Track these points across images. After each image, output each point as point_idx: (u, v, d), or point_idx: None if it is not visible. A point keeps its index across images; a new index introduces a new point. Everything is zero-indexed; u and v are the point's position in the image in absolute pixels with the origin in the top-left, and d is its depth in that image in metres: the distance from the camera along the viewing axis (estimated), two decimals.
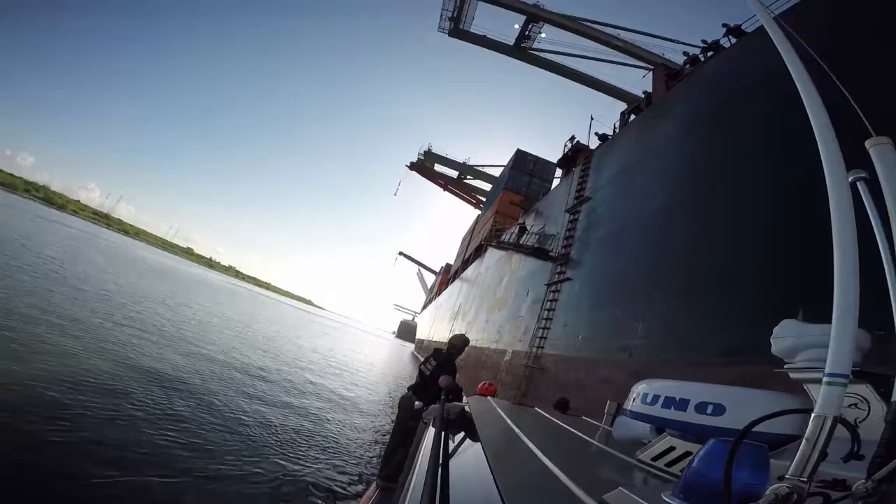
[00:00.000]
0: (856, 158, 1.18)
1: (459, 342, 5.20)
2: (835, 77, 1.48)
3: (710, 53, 11.52)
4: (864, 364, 1.47)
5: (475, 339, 20.81)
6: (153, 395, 6.68)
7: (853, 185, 1.23)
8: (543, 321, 12.40)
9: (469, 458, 1.90)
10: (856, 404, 1.46)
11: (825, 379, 0.79)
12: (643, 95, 14.72)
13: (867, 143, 1.17)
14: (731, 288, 6.47)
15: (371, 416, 11.04)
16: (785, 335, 1.72)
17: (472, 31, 24.81)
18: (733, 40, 10.61)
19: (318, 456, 6.73)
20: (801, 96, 1.08)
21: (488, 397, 4.30)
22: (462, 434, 2.43)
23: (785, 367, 1.67)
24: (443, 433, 1.81)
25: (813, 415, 0.78)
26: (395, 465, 4.09)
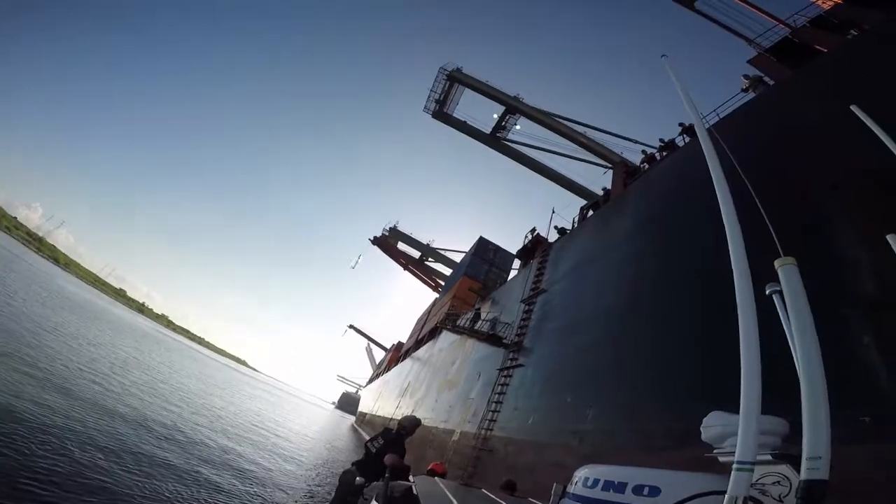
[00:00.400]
0: (768, 274, 1.36)
1: (410, 424, 5.08)
2: (756, 196, 1.65)
3: (664, 153, 12.42)
4: (783, 447, 1.62)
5: (424, 417, 20.66)
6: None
7: (770, 298, 1.44)
8: (494, 404, 12.80)
9: None
10: (779, 482, 1.59)
11: (735, 465, 0.89)
12: (602, 192, 15.61)
13: (776, 263, 1.31)
14: (674, 380, 7.11)
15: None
16: (713, 424, 1.89)
17: (454, 115, 26.43)
18: (688, 139, 11.49)
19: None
20: (722, 214, 1.25)
21: (436, 478, 4.31)
22: None
23: (714, 451, 1.83)
24: None
25: (726, 496, 0.88)
26: None
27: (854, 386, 4.39)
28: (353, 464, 4.54)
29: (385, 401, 37.69)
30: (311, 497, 9.65)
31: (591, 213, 15.34)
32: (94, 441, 6.96)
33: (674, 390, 7.02)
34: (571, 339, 11.19)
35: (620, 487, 1.63)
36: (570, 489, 1.96)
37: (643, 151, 13.92)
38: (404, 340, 49.62)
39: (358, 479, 4.22)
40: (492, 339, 15.53)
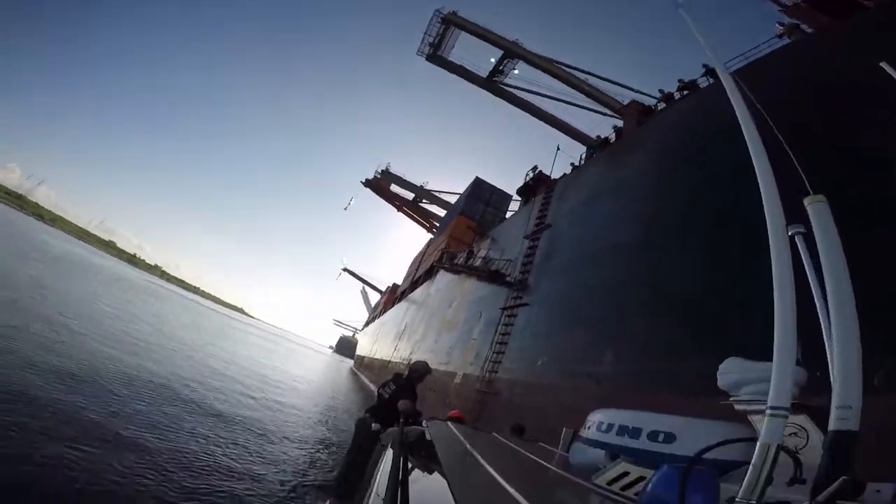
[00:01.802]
0: (793, 213, 1.33)
1: (421, 368, 5.14)
2: (780, 136, 1.62)
3: (685, 92, 11.81)
4: (801, 397, 1.60)
5: (422, 359, 20.31)
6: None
7: (792, 239, 1.37)
8: (498, 345, 12.25)
9: (429, 481, 1.91)
10: (796, 433, 1.59)
11: (768, 411, 0.86)
12: (613, 130, 15.17)
13: (805, 201, 1.29)
14: (699, 321, 6.65)
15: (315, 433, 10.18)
16: (730, 371, 1.87)
17: (450, 59, 25.08)
18: (711, 81, 10.82)
19: (261, 472, 6.08)
20: (750, 153, 1.18)
21: (448, 422, 4.22)
22: (421, 458, 2.41)
23: (730, 399, 1.81)
24: (401, 456, 1.79)
25: (758, 443, 0.84)
26: (349, 485, 4.06)
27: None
28: (366, 410, 4.64)
29: (382, 343, 37.71)
30: (327, 446, 8.99)
31: (596, 153, 14.60)
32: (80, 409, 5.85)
33: (699, 331, 6.57)
34: (583, 276, 10.47)
35: (635, 433, 1.61)
36: (583, 433, 1.93)
37: (660, 90, 13.27)
38: (399, 282, 49.41)
39: (374, 425, 4.33)
40: (493, 276, 14.85)
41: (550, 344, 10.33)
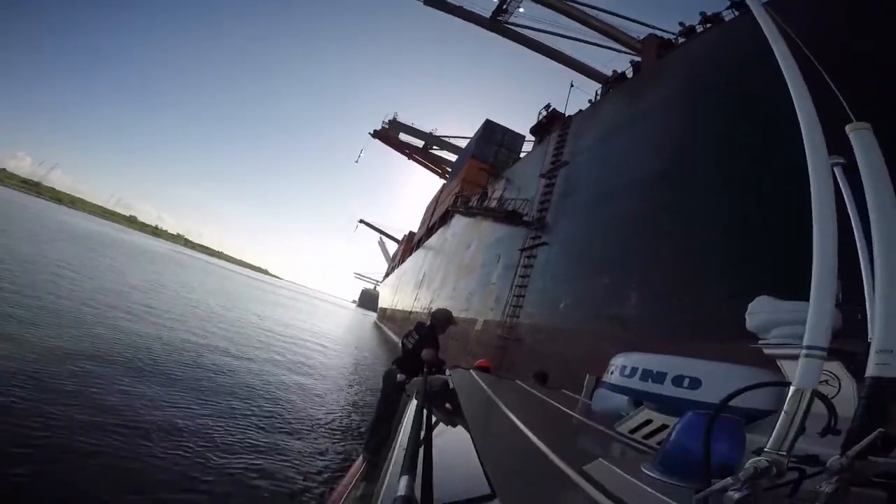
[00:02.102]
0: (831, 145, 1.12)
1: (442, 316, 4.99)
2: (818, 64, 1.49)
3: (708, 25, 10.95)
4: (834, 342, 1.31)
5: (442, 307, 20.27)
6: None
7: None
8: (518, 288, 11.85)
9: (452, 430, 1.87)
10: (827, 381, 1.46)
11: (803, 352, 0.78)
12: (631, 65, 14.24)
13: (848, 128, 1.22)
14: (733, 258, 6.12)
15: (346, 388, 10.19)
16: (760, 311, 1.76)
17: (449, 0, 23.27)
18: (736, 14, 9.86)
19: (300, 429, 6.26)
20: (787, 83, 1.08)
21: (471, 370, 4.24)
22: (445, 406, 2.40)
23: (759, 342, 1.70)
24: (425, 406, 1.71)
25: (792, 388, 0.76)
26: (379, 438, 4.09)
27: None
28: (393, 362, 4.68)
29: (403, 294, 37.97)
30: (355, 405, 8.86)
31: (613, 88, 13.62)
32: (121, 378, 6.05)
33: (730, 270, 6.07)
34: (604, 213, 9.76)
35: (659, 377, 1.55)
36: (606, 378, 1.91)
37: (680, 23, 12.48)
38: (415, 230, 49.44)
39: (399, 376, 4.37)
40: (510, 217, 14.31)
41: (572, 286, 9.81)
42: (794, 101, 1.04)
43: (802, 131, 0.98)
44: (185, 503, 3.60)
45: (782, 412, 0.75)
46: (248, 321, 17.26)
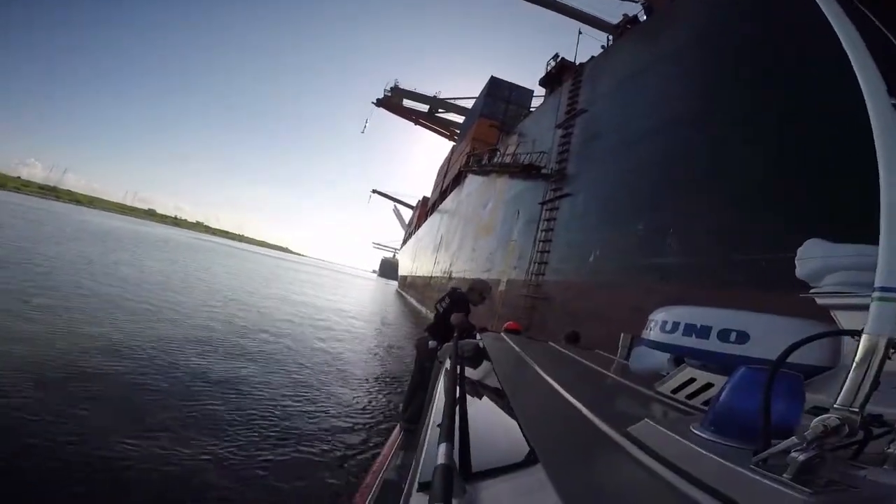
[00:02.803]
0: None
1: (479, 286, 5.03)
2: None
3: None
4: None
5: (463, 269, 20.20)
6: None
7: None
8: (541, 243, 11.43)
9: (486, 395, 1.83)
10: None
11: (876, 294, 0.71)
12: (642, 6, 12.94)
13: None
14: (783, 201, 5.59)
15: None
16: (811, 255, 1.65)
17: None
18: None
19: (341, 396, 6.51)
20: (831, 23, 1.00)
21: (502, 333, 4.10)
22: (478, 370, 2.36)
23: (811, 291, 1.61)
24: (457, 370, 1.71)
25: (864, 336, 0.69)
26: (415, 406, 4.08)
27: None
28: (425, 329, 4.67)
29: (421, 260, 37.85)
30: (389, 375, 8.92)
31: (625, 32, 12.76)
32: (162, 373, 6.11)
33: (780, 209, 5.52)
34: (633, 157, 9.08)
35: (704, 332, 1.44)
36: (646, 335, 1.73)
37: None
38: (429, 195, 49.01)
39: (430, 342, 4.38)
40: (528, 170, 13.74)
41: (602, 235, 9.31)
42: (843, 40, 0.96)
43: (855, 69, 0.91)
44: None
45: (853, 364, 0.69)
46: (275, 300, 17.56)
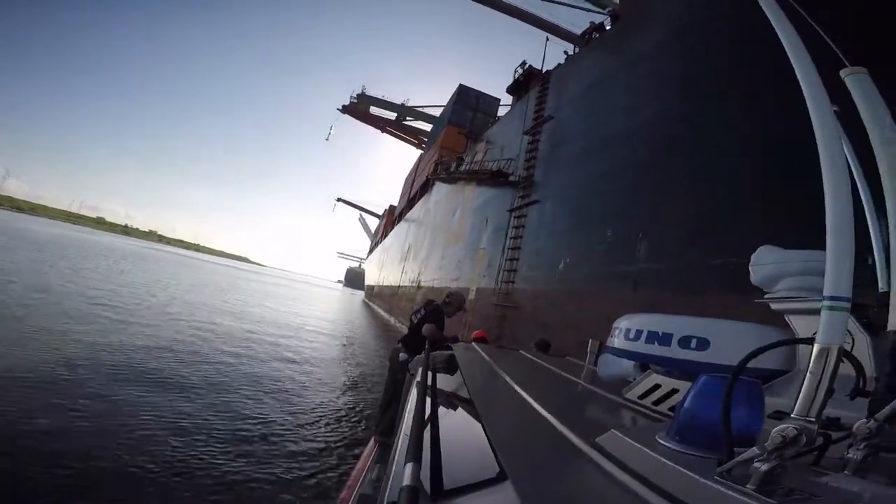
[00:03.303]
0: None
1: (456, 299, 5.14)
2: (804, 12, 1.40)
3: None
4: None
5: (432, 278, 19.95)
6: None
7: None
8: (510, 251, 11.37)
9: (458, 408, 1.79)
10: None
11: (826, 304, 0.73)
12: (608, 11, 13.54)
13: (843, 73, 1.23)
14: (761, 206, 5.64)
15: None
16: (764, 261, 1.69)
17: None
18: None
19: (306, 416, 6.11)
20: (777, 31, 1.04)
21: (473, 343, 4.12)
22: (451, 381, 2.37)
23: (765, 297, 1.64)
24: (426, 384, 1.58)
25: (816, 346, 0.71)
26: (389, 419, 4.08)
27: None
28: (399, 341, 4.70)
29: (389, 269, 37.29)
30: (362, 386, 8.61)
31: (594, 36, 13.07)
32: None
33: (756, 214, 5.59)
34: (601, 162, 9.15)
35: (665, 339, 1.48)
36: (610, 342, 1.78)
37: None
38: (395, 203, 48.52)
39: (402, 355, 4.41)
40: (496, 177, 13.79)
41: (571, 242, 9.29)
42: (787, 49, 1.02)
43: (799, 78, 0.94)
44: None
45: (807, 373, 0.70)
46: (234, 317, 16.45)
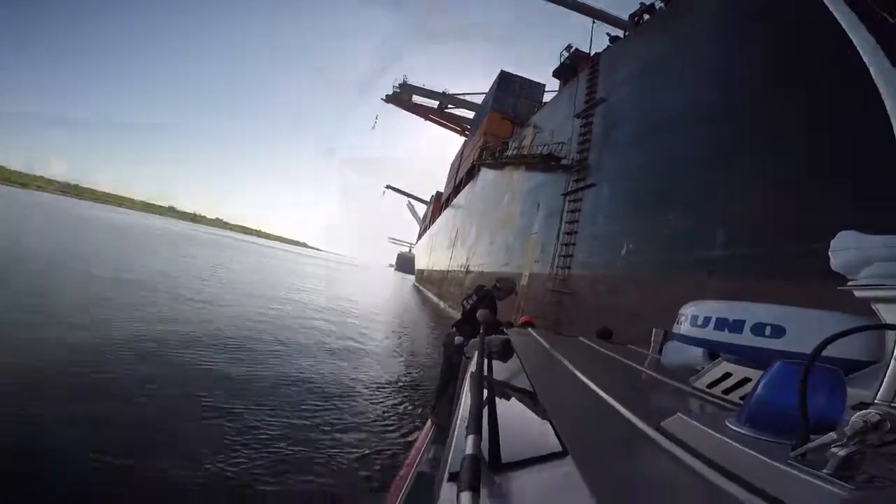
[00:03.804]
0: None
1: (506, 283, 5.13)
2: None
3: None
4: None
5: (480, 263, 19.98)
6: None
7: None
8: (566, 236, 11.11)
9: (515, 390, 1.72)
10: None
11: None
12: None
13: None
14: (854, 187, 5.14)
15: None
16: (844, 247, 1.61)
17: None
18: None
19: (372, 395, 6.53)
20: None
21: (529, 329, 4.14)
22: (506, 365, 2.34)
23: (848, 284, 1.55)
24: (483, 365, 1.60)
25: None
26: (445, 401, 4.12)
27: None
28: (452, 325, 4.80)
29: (438, 254, 37.56)
30: (420, 368, 8.93)
31: (645, 17, 12.53)
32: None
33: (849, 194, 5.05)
34: (661, 143, 8.68)
35: (736, 326, 1.45)
36: (677, 329, 1.74)
37: None
38: (441, 190, 48.79)
39: (457, 338, 4.44)
40: (546, 161, 13.44)
41: (633, 227, 8.90)
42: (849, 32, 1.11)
43: (867, 63, 0.99)
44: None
45: (892, 359, 0.68)
46: (300, 303, 17.46)
